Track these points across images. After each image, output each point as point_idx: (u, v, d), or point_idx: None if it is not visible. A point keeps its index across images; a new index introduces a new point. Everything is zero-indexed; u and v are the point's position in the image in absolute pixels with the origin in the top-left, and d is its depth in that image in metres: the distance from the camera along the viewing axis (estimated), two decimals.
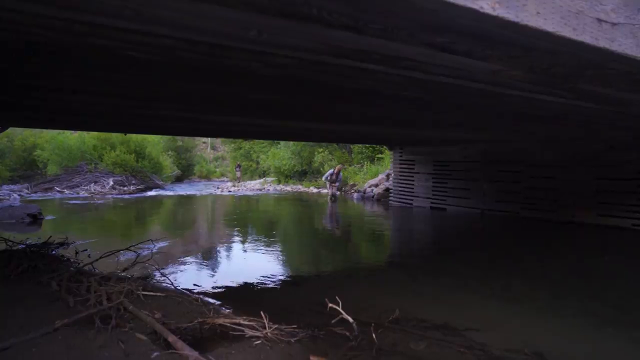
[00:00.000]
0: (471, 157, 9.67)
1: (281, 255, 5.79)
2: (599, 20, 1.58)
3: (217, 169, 31.02)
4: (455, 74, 2.36)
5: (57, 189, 14.91)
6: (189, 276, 4.30)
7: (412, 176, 11.26)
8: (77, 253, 4.52)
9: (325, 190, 15.02)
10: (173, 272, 4.35)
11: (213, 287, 3.91)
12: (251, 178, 24.65)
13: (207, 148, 36.38)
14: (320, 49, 1.94)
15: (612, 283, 4.38)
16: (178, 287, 3.65)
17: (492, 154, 9.23)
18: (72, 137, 17.86)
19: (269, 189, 18.21)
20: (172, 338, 2.16)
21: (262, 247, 6.13)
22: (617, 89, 2.63)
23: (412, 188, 11.26)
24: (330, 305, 2.64)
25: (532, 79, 2.40)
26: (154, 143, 19.87)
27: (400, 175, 11.70)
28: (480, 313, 3.29)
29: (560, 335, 2.93)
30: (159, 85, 3.19)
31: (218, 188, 18.71)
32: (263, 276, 4.35)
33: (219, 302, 3.25)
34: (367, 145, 16.48)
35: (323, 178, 14.06)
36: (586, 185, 7.60)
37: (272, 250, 5.94)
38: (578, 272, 4.86)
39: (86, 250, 4.85)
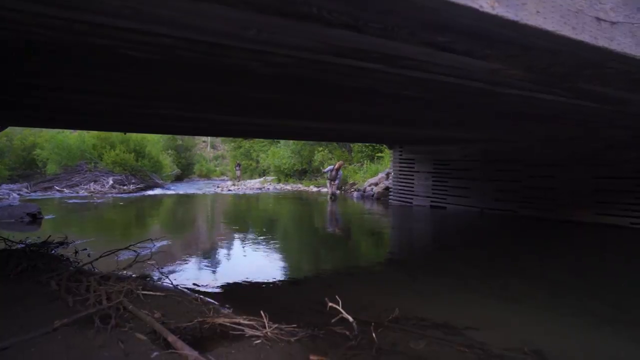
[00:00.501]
0: (471, 156, 9.68)
1: (281, 254, 5.79)
2: (598, 19, 1.58)
3: (217, 168, 31.00)
4: (455, 73, 2.36)
5: (57, 188, 14.90)
6: (189, 275, 4.30)
7: (412, 175, 11.26)
8: (76, 252, 4.52)
9: (325, 189, 15.03)
10: (173, 272, 4.36)
11: (213, 287, 3.91)
12: (251, 177, 24.66)
13: (206, 147, 36.36)
14: (319, 48, 1.94)
15: (611, 282, 4.38)
16: (178, 287, 3.66)
17: (491, 153, 9.23)
18: (72, 137, 17.84)
19: (268, 188, 18.21)
20: (171, 338, 2.16)
21: (262, 246, 6.13)
22: (615, 88, 2.63)
23: (412, 187, 11.26)
24: (330, 304, 2.64)
25: (531, 78, 2.40)
26: (154, 142, 19.85)
27: (400, 174, 11.70)
28: (480, 312, 3.30)
29: (559, 334, 2.93)
30: (159, 84, 3.19)
31: (218, 187, 18.70)
32: (263, 275, 4.35)
33: (218, 302, 3.25)
34: (366, 144, 16.48)
35: (323, 171, 14.26)
36: (584, 184, 7.60)
37: (272, 249, 5.93)
38: (577, 270, 4.87)
39: (86, 249, 4.85)
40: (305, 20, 1.53)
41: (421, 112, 4.44)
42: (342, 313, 2.58)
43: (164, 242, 5.98)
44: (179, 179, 23.21)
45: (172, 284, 3.69)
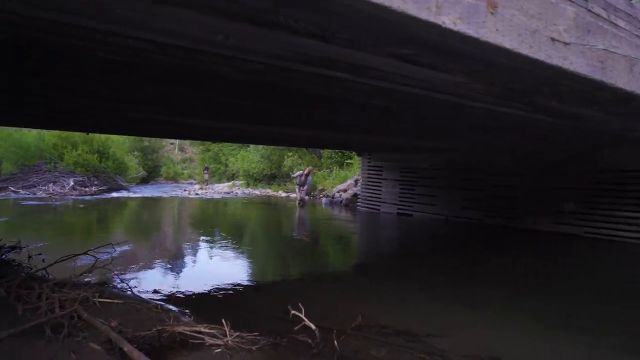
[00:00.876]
0: (437, 165, 9.90)
1: (246, 260, 5.71)
2: (553, 39, 1.66)
3: (185, 171, 30.34)
4: (421, 85, 2.41)
5: (12, 188, 14.17)
6: (150, 282, 4.17)
7: (380, 182, 11.40)
8: (30, 257, 4.27)
9: (294, 195, 15.00)
10: (133, 278, 4.21)
11: (175, 294, 3.81)
12: (219, 181, 24.27)
13: (174, 149, 35.53)
14: (287, 56, 1.95)
15: (568, 288, 4.55)
16: (137, 294, 3.54)
17: (457, 163, 9.47)
18: (30, 135, 17.03)
19: (237, 193, 17.98)
20: (127, 347, 2.08)
21: (227, 252, 6.04)
22: (571, 105, 2.77)
23: (380, 194, 11.40)
24: (292, 312, 2.62)
25: (493, 92, 2.49)
26: (119, 143, 19.26)
27: (369, 181, 11.82)
28: (443, 319, 3.35)
29: (518, 339, 3.02)
30: (137, 88, 3.13)
31: (185, 190, 18.32)
32: (227, 282, 4.27)
33: (179, 309, 3.17)
34: (336, 150, 16.58)
35: (292, 176, 14.61)
36: (545, 194, 7.93)
37: (237, 256, 5.85)
38: (538, 278, 5.02)
39: (41, 254, 4.60)
40: (272, 28, 1.53)
41: (387, 121, 4.51)
42: (304, 321, 2.57)
43: (126, 247, 5.77)
44: (144, 181, 22.60)
45: (131, 291, 3.57)
